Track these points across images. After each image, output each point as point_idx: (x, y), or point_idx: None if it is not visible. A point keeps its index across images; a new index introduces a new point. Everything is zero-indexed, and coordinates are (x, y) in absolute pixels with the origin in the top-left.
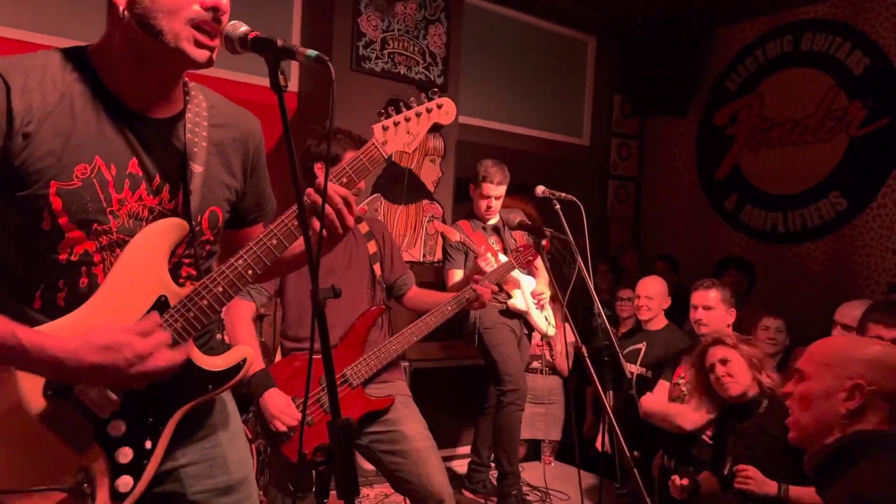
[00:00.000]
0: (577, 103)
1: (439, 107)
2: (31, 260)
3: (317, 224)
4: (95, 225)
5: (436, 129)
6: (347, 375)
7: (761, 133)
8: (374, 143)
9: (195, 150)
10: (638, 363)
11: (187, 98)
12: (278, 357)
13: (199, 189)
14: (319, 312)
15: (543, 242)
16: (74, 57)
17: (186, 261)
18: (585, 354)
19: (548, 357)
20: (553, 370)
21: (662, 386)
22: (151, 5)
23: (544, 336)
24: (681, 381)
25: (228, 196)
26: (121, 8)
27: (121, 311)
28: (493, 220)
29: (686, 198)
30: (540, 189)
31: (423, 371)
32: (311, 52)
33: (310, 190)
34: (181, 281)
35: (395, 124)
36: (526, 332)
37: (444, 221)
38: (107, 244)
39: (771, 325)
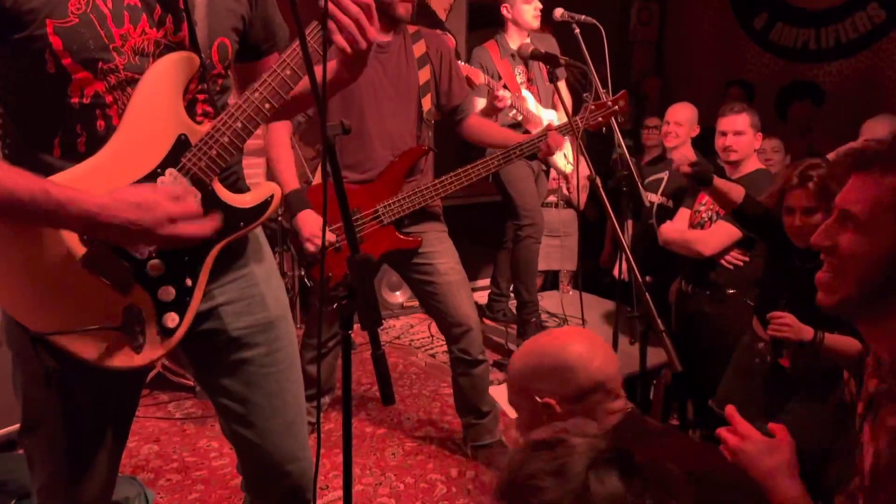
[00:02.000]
0: None
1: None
2: (44, 106)
3: (337, 40)
4: (101, 63)
5: None
6: (380, 213)
7: None
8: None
9: None
10: (659, 193)
11: None
12: (317, 179)
13: (203, 19)
14: (329, 148)
15: (621, 104)
16: None
17: (201, 97)
18: (600, 186)
19: (564, 191)
20: (568, 203)
21: (683, 213)
22: None
23: (561, 173)
24: (701, 208)
25: (235, 24)
26: None
27: (141, 152)
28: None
29: (713, 18)
30: (558, 12)
31: (443, 208)
32: None
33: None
34: (198, 119)
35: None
36: (544, 168)
37: (457, 54)
38: (116, 83)
39: (766, 147)
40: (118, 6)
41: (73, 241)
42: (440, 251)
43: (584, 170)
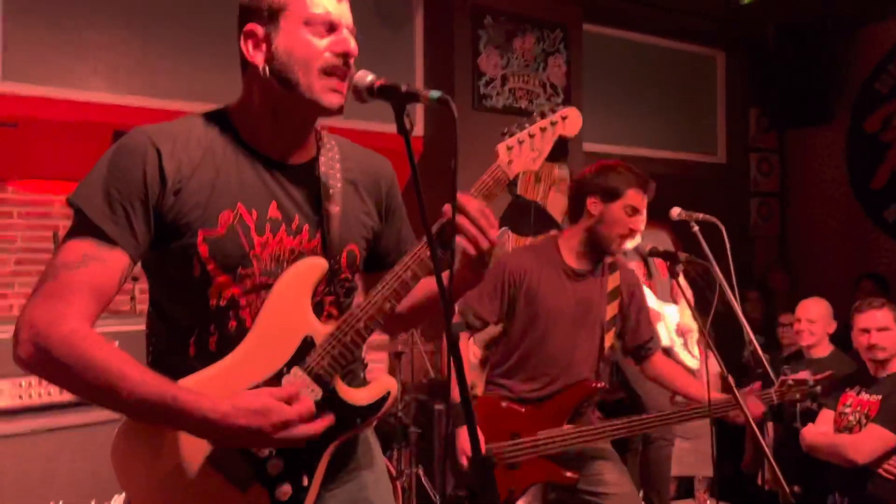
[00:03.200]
0: (710, 120)
1: (564, 118)
2: (186, 308)
3: (460, 241)
4: (240, 269)
5: (560, 144)
6: (539, 441)
7: None
8: (498, 165)
9: (331, 191)
10: None
11: (320, 144)
12: (480, 389)
13: (336, 228)
14: (453, 346)
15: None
16: (216, 118)
17: (328, 299)
18: (733, 385)
19: None
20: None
21: (826, 415)
22: (288, 60)
23: (687, 369)
24: (847, 410)
25: (366, 234)
26: (260, 67)
27: (269, 353)
28: (634, 242)
29: (838, 211)
30: (676, 211)
31: None
32: (434, 93)
33: (446, 207)
34: (324, 320)
35: (520, 142)
36: None
37: None
38: (251, 287)
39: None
40: (261, 217)
41: (199, 441)
42: (606, 467)
43: (714, 366)
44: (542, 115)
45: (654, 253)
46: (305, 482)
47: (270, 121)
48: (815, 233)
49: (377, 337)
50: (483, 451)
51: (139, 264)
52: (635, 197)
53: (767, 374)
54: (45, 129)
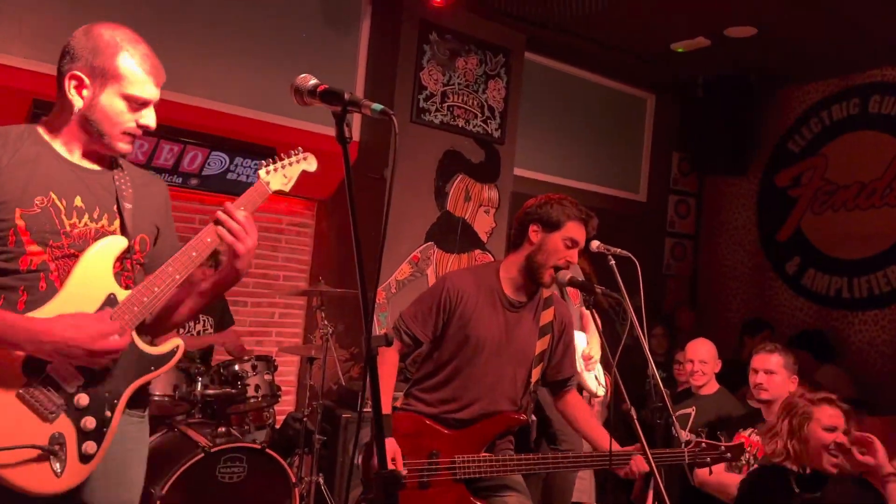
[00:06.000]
0: (635, 159)
1: (305, 159)
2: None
3: (225, 237)
4: (51, 241)
5: (492, 168)
6: (456, 465)
7: (825, 195)
8: (260, 183)
9: (125, 193)
10: (688, 428)
11: (115, 158)
12: (400, 401)
13: (130, 219)
14: (371, 359)
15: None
16: (33, 130)
17: (125, 274)
18: (634, 417)
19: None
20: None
21: None
22: (101, 118)
23: (593, 395)
24: None
25: (152, 229)
26: (77, 108)
27: (81, 305)
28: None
29: (745, 258)
30: (595, 244)
31: None
32: (377, 106)
33: (219, 213)
34: (122, 287)
35: (276, 170)
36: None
37: None
38: (60, 256)
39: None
40: (69, 205)
41: (14, 373)
42: (512, 499)
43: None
44: (292, 154)
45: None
46: (108, 415)
47: (77, 142)
48: (723, 275)
49: (291, 339)
50: (401, 465)
51: None
52: (575, 230)
53: (667, 407)
54: None
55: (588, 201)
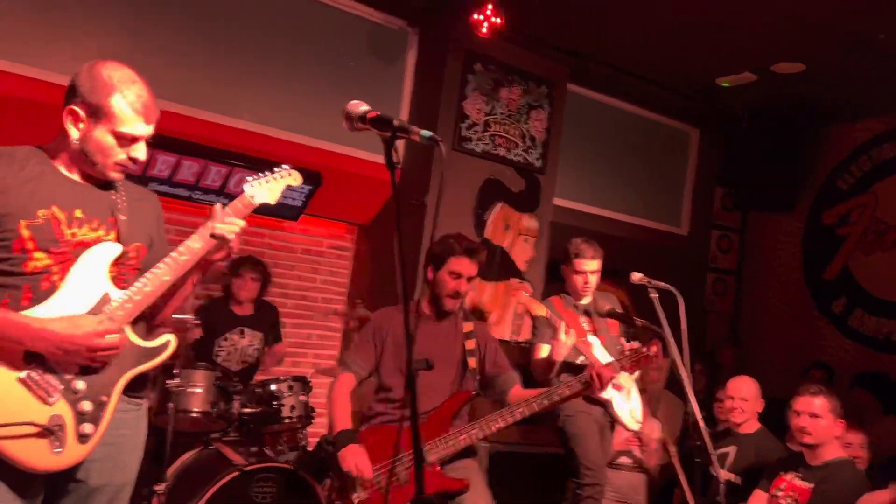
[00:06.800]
0: (677, 193)
1: (290, 174)
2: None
3: (213, 237)
4: (52, 248)
5: (531, 198)
6: (424, 451)
7: (875, 235)
8: (245, 196)
9: (120, 206)
10: (726, 468)
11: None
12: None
13: (125, 230)
14: (412, 381)
15: (653, 350)
16: (37, 152)
17: (120, 278)
18: (671, 452)
19: (636, 452)
20: (641, 467)
21: (758, 497)
22: (95, 149)
23: (629, 430)
24: (779, 494)
25: (147, 239)
26: (72, 139)
27: (79, 302)
28: (587, 300)
29: (789, 296)
30: (636, 276)
31: (500, 454)
32: (426, 133)
33: (213, 208)
34: (118, 289)
35: (261, 184)
36: (609, 420)
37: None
38: (62, 261)
39: (854, 442)
40: (70, 216)
41: (16, 360)
42: (472, 494)
43: (656, 430)
44: (275, 171)
45: (613, 314)
46: (105, 399)
47: (75, 165)
48: (766, 313)
49: (328, 361)
50: (371, 473)
51: None
52: (457, 263)
53: (705, 446)
54: None
55: (628, 233)
